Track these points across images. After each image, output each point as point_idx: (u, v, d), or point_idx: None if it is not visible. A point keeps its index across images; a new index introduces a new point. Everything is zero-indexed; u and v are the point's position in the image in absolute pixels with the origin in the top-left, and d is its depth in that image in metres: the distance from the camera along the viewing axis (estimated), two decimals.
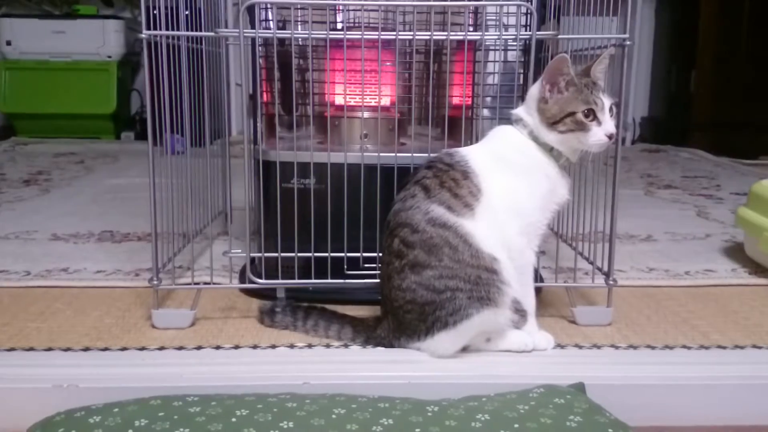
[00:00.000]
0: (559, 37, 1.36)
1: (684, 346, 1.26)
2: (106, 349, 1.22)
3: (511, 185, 1.19)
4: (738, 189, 2.79)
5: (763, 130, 3.91)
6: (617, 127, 1.20)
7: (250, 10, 1.32)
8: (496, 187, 1.18)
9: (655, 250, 1.91)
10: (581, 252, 1.46)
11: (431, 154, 1.27)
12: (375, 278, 1.30)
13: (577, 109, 1.16)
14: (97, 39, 4.19)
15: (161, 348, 1.22)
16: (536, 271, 1.41)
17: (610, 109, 1.18)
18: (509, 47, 1.53)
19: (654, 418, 1.10)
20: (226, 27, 1.49)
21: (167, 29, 1.30)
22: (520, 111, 1.23)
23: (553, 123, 1.18)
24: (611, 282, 1.36)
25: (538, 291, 1.44)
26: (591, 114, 1.16)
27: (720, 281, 1.64)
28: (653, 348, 1.25)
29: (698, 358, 1.22)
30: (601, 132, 1.17)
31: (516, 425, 0.90)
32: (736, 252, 1.87)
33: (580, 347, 1.25)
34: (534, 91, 1.21)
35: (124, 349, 1.22)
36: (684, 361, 1.20)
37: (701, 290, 1.58)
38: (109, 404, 0.95)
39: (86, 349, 1.21)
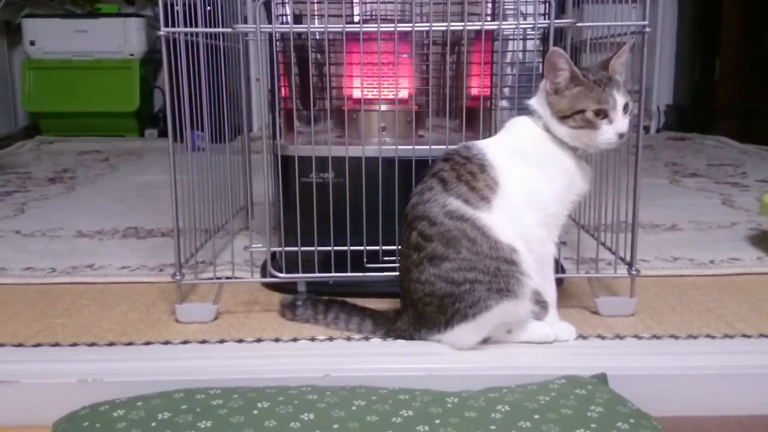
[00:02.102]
0: (578, 25, 1.35)
1: (708, 336, 1.25)
2: (130, 343, 1.23)
3: (528, 177, 1.18)
4: (764, 176, 2.75)
5: None
6: (638, 119, 1.18)
7: (267, 5, 1.33)
8: (514, 180, 1.18)
9: (680, 239, 1.89)
10: (603, 242, 1.45)
11: (449, 147, 1.27)
12: (395, 271, 1.30)
13: (588, 107, 1.14)
14: (119, 37, 4.23)
15: (185, 342, 1.23)
16: (557, 262, 1.40)
17: (625, 107, 1.14)
18: (528, 37, 1.52)
19: (677, 408, 1.09)
20: (245, 22, 1.49)
21: (185, 26, 1.31)
22: (534, 102, 1.21)
23: (562, 117, 1.16)
24: (634, 272, 1.34)
25: (559, 282, 1.44)
26: (602, 113, 1.14)
27: (745, 270, 1.62)
28: (677, 338, 1.24)
29: (722, 348, 1.20)
30: (611, 131, 1.14)
31: (536, 416, 0.90)
32: (762, 240, 1.84)
33: (603, 338, 1.24)
34: (543, 83, 1.19)
35: (148, 343, 1.23)
36: (708, 351, 1.19)
37: (726, 279, 1.56)
38: (132, 398, 0.96)
39: (111, 344, 1.23)
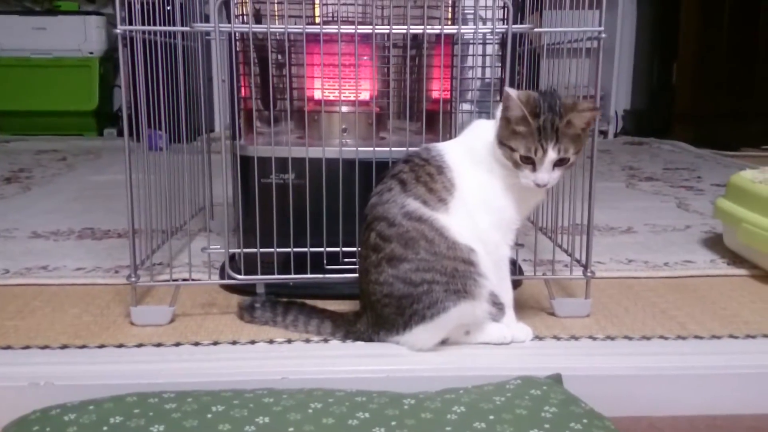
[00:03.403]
0: (535, 30, 1.36)
1: (661, 337, 1.27)
2: (83, 346, 1.21)
3: (483, 181, 1.19)
4: (719, 180, 2.81)
5: (744, 122, 3.94)
6: (594, 124, 1.17)
7: (226, 4, 1.32)
8: (470, 182, 1.18)
9: (635, 241, 1.92)
10: (560, 244, 1.47)
11: (410, 149, 1.28)
12: (355, 272, 1.30)
13: (517, 149, 1.12)
14: (79, 35, 4.16)
15: (139, 345, 1.21)
16: (515, 264, 1.42)
17: (560, 161, 1.12)
18: (487, 41, 1.53)
19: (630, 408, 1.11)
20: (208, 21, 1.48)
21: (143, 24, 1.29)
22: (498, 108, 1.19)
23: (499, 142, 1.15)
24: (589, 274, 1.37)
25: (518, 283, 1.46)
26: (528, 159, 1.12)
27: (698, 272, 1.65)
28: (630, 339, 1.26)
29: (675, 349, 1.23)
30: (531, 178, 1.13)
31: (491, 417, 0.91)
32: (715, 243, 1.88)
33: (558, 339, 1.26)
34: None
35: (101, 346, 1.21)
36: (661, 352, 1.21)
37: (680, 281, 1.59)
38: (84, 402, 0.95)
39: (64, 347, 1.21)
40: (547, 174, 1.13)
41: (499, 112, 1.17)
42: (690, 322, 1.35)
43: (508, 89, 1.12)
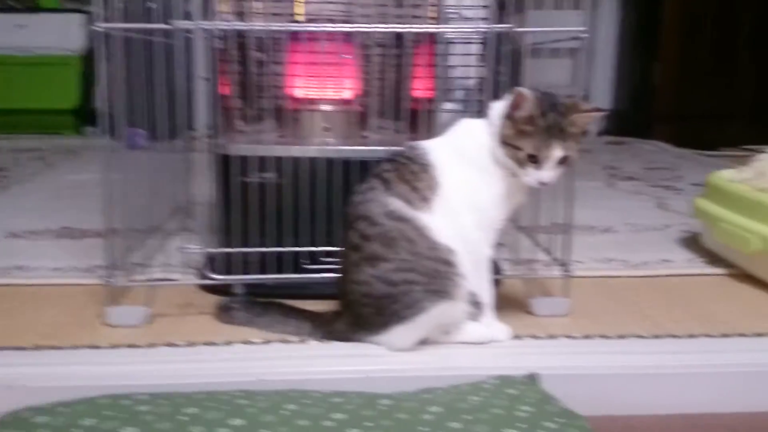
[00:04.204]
0: (517, 30, 1.36)
1: (638, 336, 1.28)
2: (58, 347, 1.20)
3: (468, 180, 1.19)
4: (698, 180, 2.82)
5: (724, 122, 3.97)
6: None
7: (205, 2, 1.31)
8: (454, 181, 1.18)
9: (614, 241, 1.93)
10: (540, 243, 1.47)
11: (394, 148, 1.27)
12: (334, 272, 1.30)
13: (524, 147, 1.13)
14: (60, 33, 4.11)
15: (114, 346, 1.20)
16: (496, 263, 1.42)
17: (563, 160, 1.14)
18: (471, 40, 1.53)
19: (607, 407, 1.12)
20: (190, 19, 1.47)
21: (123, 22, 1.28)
22: (494, 107, 1.20)
23: (503, 141, 1.16)
24: (568, 273, 1.37)
25: (498, 282, 1.46)
26: (534, 158, 1.13)
27: (676, 271, 1.66)
28: (607, 338, 1.27)
29: (651, 348, 1.23)
30: (534, 176, 1.14)
31: (467, 416, 0.91)
32: (693, 242, 1.89)
33: (536, 338, 1.26)
34: (503, 102, 1.17)
35: (76, 347, 1.20)
36: (636, 351, 1.22)
37: (658, 280, 1.60)
38: (56, 404, 0.94)
39: (38, 348, 1.19)
40: (551, 172, 1.14)
41: (495, 111, 1.18)
42: (666, 320, 1.35)
43: (521, 89, 1.13)
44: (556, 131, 1.13)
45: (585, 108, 1.16)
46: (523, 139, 1.13)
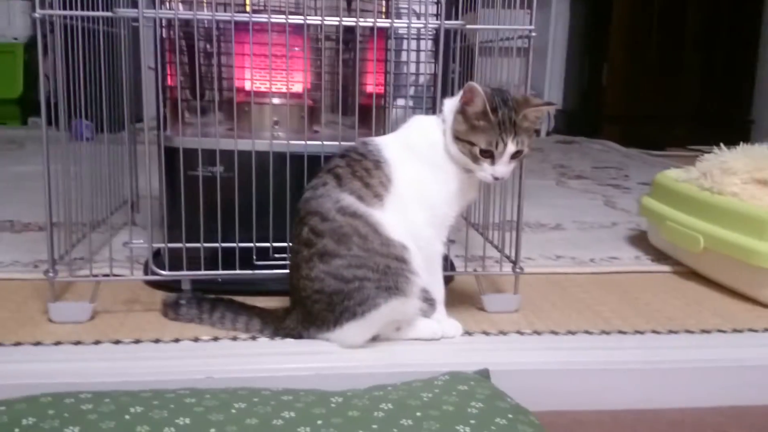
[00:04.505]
0: (467, 27, 1.36)
1: (586, 332, 1.29)
2: None
3: (420, 177, 1.19)
4: (645, 179, 2.89)
5: (671, 122, 4.08)
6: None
7: None
8: (406, 178, 1.18)
9: (563, 238, 1.95)
10: (491, 240, 1.48)
11: (345, 143, 1.26)
12: (285, 268, 1.28)
13: (478, 143, 1.14)
14: (2, 20, 4.00)
15: (57, 343, 1.16)
16: (447, 260, 1.42)
17: (515, 154, 1.15)
18: (421, 37, 1.53)
19: (555, 403, 1.13)
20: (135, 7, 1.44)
21: (62, 8, 1.24)
22: (447, 104, 1.20)
23: (456, 137, 1.16)
24: (518, 270, 1.38)
25: (449, 279, 1.46)
26: (488, 153, 1.14)
27: (623, 268, 1.70)
28: (557, 334, 1.28)
29: (599, 344, 1.25)
30: (489, 171, 1.15)
31: (418, 413, 0.90)
32: (640, 240, 1.93)
33: (488, 334, 1.27)
34: (456, 98, 1.17)
35: (17, 344, 1.16)
36: (585, 347, 1.23)
37: (605, 277, 1.63)
38: None
39: None
40: (505, 167, 1.15)
41: (448, 107, 1.18)
42: (614, 317, 1.38)
43: (472, 84, 1.12)
44: (508, 126, 1.13)
45: (536, 103, 1.16)
46: (476, 135, 1.14)
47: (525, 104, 1.15)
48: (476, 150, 1.14)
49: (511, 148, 1.14)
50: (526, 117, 1.15)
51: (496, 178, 1.16)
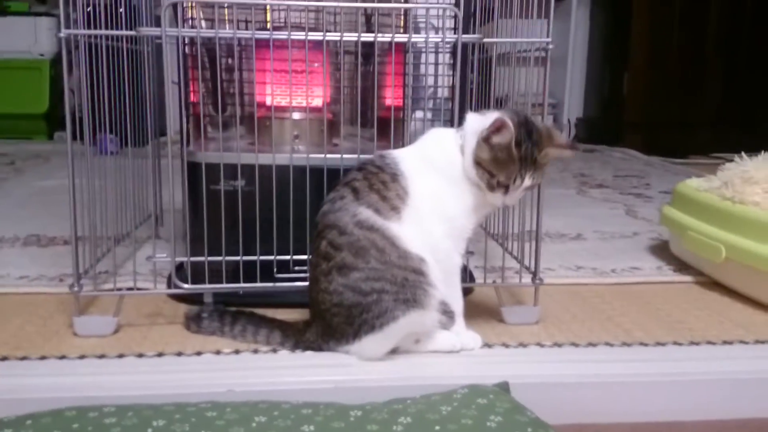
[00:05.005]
0: (484, 40, 1.37)
1: (607, 344, 1.29)
2: (24, 358, 1.18)
3: (438, 190, 1.19)
4: (667, 188, 2.87)
5: (693, 130, 4.04)
6: None
7: (174, 8, 1.30)
8: (424, 191, 1.19)
9: (584, 248, 1.95)
10: (510, 251, 1.48)
11: (364, 156, 1.27)
12: (305, 281, 1.29)
13: (497, 175, 1.16)
14: (29, 37, 4.07)
15: (81, 356, 1.18)
16: (467, 271, 1.42)
17: (528, 187, 1.19)
18: (439, 50, 1.54)
19: (576, 416, 1.12)
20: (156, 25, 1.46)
21: (87, 27, 1.27)
22: (470, 120, 1.20)
23: (477, 162, 1.17)
24: (538, 281, 1.38)
25: (469, 290, 1.46)
26: (504, 186, 1.17)
27: (645, 279, 1.68)
28: (577, 346, 1.28)
29: (620, 356, 1.24)
30: (500, 199, 1.18)
31: (437, 427, 0.91)
32: (661, 250, 1.92)
33: (507, 346, 1.27)
34: (485, 122, 1.16)
35: (43, 358, 1.18)
36: (605, 359, 1.22)
37: (627, 288, 1.62)
38: (21, 416, 0.92)
39: (4, 359, 1.17)
40: (516, 196, 1.19)
41: (471, 127, 1.18)
42: (635, 328, 1.37)
43: (505, 119, 1.13)
44: (528, 162, 1.16)
45: (559, 143, 1.19)
46: (498, 167, 1.15)
47: (548, 141, 1.17)
48: (494, 181, 1.16)
49: (528, 182, 1.17)
50: (547, 155, 1.17)
51: (506, 205, 1.20)
